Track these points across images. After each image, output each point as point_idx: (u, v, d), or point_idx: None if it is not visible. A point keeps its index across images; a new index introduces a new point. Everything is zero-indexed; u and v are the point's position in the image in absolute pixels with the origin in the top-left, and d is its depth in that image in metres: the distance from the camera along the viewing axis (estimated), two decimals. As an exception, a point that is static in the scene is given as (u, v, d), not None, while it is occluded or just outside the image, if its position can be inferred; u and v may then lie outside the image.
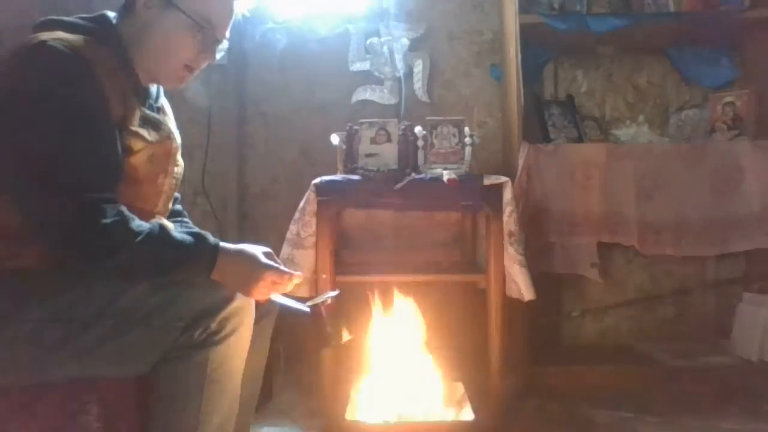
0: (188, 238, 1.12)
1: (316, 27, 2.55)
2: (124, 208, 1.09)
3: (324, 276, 1.90)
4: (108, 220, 1.05)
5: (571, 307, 2.62)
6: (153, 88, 1.30)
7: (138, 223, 1.09)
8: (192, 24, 1.20)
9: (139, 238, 1.07)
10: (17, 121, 1.05)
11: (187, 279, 1.12)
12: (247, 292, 1.15)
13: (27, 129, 1.05)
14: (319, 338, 1.29)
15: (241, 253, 1.18)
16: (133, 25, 1.21)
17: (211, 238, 1.16)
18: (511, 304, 1.97)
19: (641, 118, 2.52)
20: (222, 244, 1.16)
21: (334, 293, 1.32)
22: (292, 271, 1.23)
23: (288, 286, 1.23)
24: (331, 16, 2.56)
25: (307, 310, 1.28)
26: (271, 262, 1.22)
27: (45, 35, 1.09)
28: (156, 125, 1.24)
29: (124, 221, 1.07)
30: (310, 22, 2.54)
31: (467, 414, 1.75)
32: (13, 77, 1.07)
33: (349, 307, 1.38)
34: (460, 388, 1.90)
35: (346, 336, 1.30)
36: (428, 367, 1.81)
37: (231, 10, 1.27)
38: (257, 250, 1.21)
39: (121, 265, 1.08)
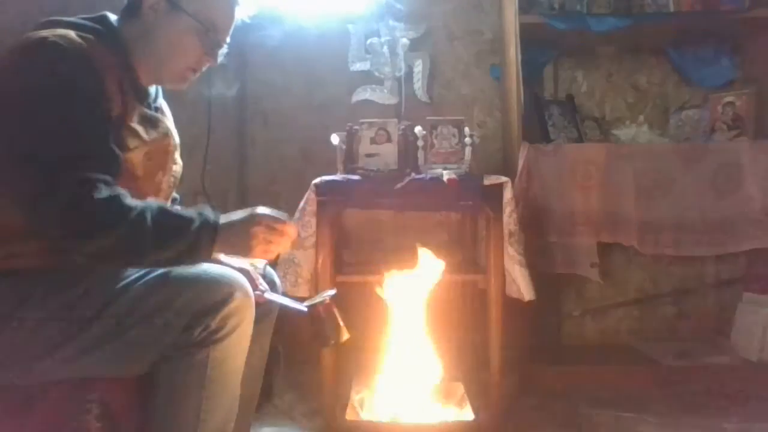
0: (189, 213, 1.10)
1: (312, 22, 2.55)
2: (121, 189, 1.07)
3: (324, 276, 1.90)
4: (102, 195, 1.03)
5: (571, 307, 2.62)
6: (152, 89, 1.31)
7: (134, 201, 1.07)
8: (198, 26, 1.22)
9: (135, 212, 1.04)
10: (18, 115, 1.06)
11: (186, 257, 1.09)
12: (247, 254, 1.15)
13: (27, 122, 1.05)
14: (318, 338, 1.29)
15: (233, 224, 1.14)
16: (137, 27, 1.23)
17: (211, 214, 1.12)
18: (511, 304, 1.97)
19: (641, 118, 2.52)
20: (221, 218, 1.13)
21: (332, 292, 1.32)
22: (285, 221, 1.18)
23: (286, 240, 1.18)
24: (328, 12, 2.56)
25: (305, 309, 1.28)
26: (266, 211, 1.17)
27: (45, 32, 1.11)
28: (154, 124, 1.25)
29: (119, 197, 1.05)
30: (306, 16, 2.54)
31: (467, 414, 1.75)
32: (13, 73, 1.08)
33: (347, 307, 1.37)
34: (460, 388, 1.90)
35: (344, 335, 1.30)
36: (428, 367, 1.81)
37: (233, 15, 1.29)
38: (250, 212, 1.17)
39: (118, 241, 1.04)
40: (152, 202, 1.11)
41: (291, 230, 1.18)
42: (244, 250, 1.14)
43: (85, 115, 1.08)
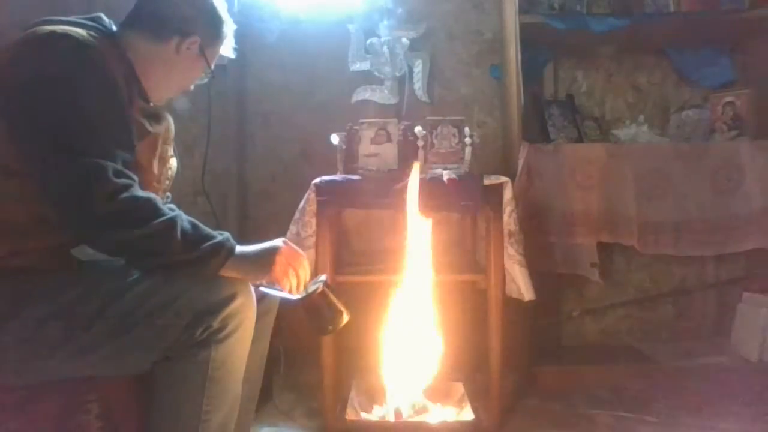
0: (215, 232, 1.15)
1: (312, 22, 2.55)
2: (153, 194, 1.13)
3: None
4: (140, 194, 1.08)
5: (571, 307, 2.62)
6: None
7: (165, 208, 1.12)
8: (207, 70, 1.36)
9: (168, 215, 1.09)
10: (45, 105, 1.06)
11: (201, 265, 1.11)
12: (269, 268, 1.17)
13: (58, 110, 1.06)
14: (317, 327, 1.29)
15: (256, 246, 1.21)
16: (152, 46, 1.27)
17: (232, 241, 1.16)
18: (511, 304, 1.97)
19: (641, 118, 2.52)
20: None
21: (323, 278, 1.31)
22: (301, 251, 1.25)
23: (303, 271, 1.24)
24: (328, 12, 2.56)
25: (299, 300, 1.27)
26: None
27: (50, 27, 1.12)
28: (157, 117, 1.29)
29: (155, 199, 1.11)
30: (305, 16, 2.54)
31: (467, 414, 1.75)
32: (29, 64, 1.09)
33: (347, 307, 1.37)
34: (460, 388, 1.90)
35: (343, 320, 1.30)
36: (428, 365, 1.81)
37: None
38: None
39: (145, 239, 1.07)
40: (181, 214, 1.14)
41: (308, 265, 1.26)
42: (266, 266, 1.17)
43: (111, 101, 1.12)
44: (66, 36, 1.11)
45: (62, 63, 1.09)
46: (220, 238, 1.12)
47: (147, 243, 1.07)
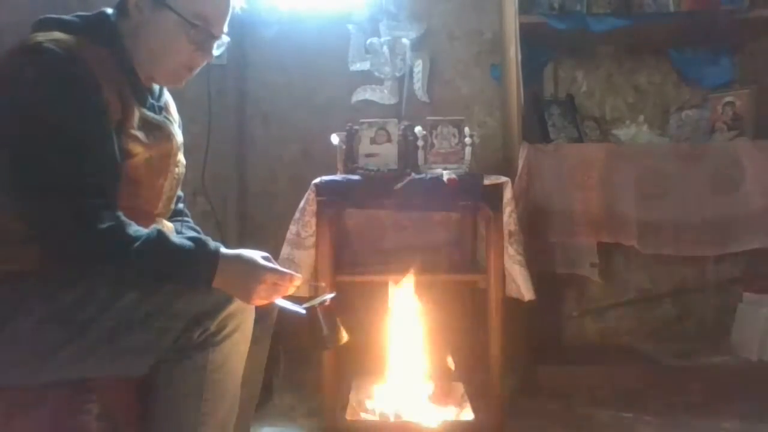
0: (188, 243, 1.11)
1: (312, 22, 2.55)
2: (121, 214, 1.09)
3: (324, 276, 1.90)
4: (104, 226, 1.05)
5: (571, 307, 2.62)
6: (156, 87, 1.29)
7: (135, 229, 1.08)
8: (184, 23, 1.18)
9: (137, 243, 1.06)
10: (16, 126, 1.05)
11: (187, 286, 1.10)
12: (247, 297, 1.13)
13: (25, 134, 1.05)
14: (316, 341, 1.28)
15: (240, 258, 1.15)
16: (128, 26, 1.20)
17: (212, 243, 1.13)
18: (511, 304, 1.97)
19: (641, 118, 2.52)
20: (222, 249, 1.14)
21: (331, 295, 1.31)
22: (292, 272, 1.21)
23: (289, 288, 1.21)
24: (328, 12, 2.56)
25: (303, 311, 1.27)
26: (271, 264, 1.20)
27: (41, 36, 1.09)
28: (156, 127, 1.23)
29: (120, 227, 1.07)
30: (306, 16, 2.55)
31: (467, 414, 1.75)
32: (9, 81, 1.07)
33: (347, 308, 1.36)
34: (460, 388, 1.90)
35: (342, 338, 1.30)
36: (428, 367, 1.81)
37: (226, 5, 1.25)
38: (255, 254, 1.19)
39: (118, 270, 1.08)
40: (153, 230, 1.10)
41: (296, 281, 1.20)
42: (243, 299, 1.14)
43: (85, 129, 1.08)
44: (49, 53, 1.05)
45: (40, 87, 1.05)
46: (193, 261, 1.09)
47: (119, 275, 1.08)
